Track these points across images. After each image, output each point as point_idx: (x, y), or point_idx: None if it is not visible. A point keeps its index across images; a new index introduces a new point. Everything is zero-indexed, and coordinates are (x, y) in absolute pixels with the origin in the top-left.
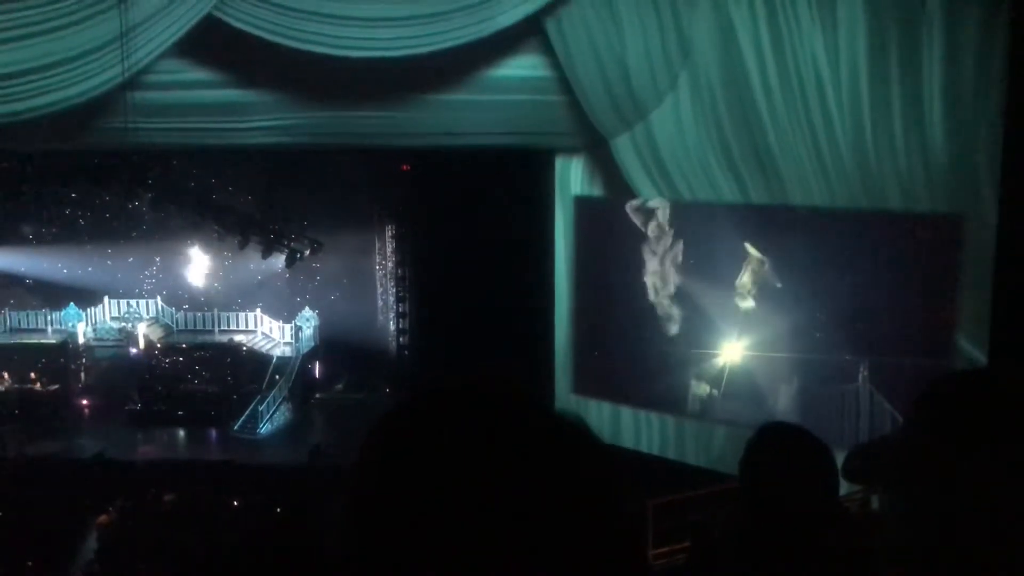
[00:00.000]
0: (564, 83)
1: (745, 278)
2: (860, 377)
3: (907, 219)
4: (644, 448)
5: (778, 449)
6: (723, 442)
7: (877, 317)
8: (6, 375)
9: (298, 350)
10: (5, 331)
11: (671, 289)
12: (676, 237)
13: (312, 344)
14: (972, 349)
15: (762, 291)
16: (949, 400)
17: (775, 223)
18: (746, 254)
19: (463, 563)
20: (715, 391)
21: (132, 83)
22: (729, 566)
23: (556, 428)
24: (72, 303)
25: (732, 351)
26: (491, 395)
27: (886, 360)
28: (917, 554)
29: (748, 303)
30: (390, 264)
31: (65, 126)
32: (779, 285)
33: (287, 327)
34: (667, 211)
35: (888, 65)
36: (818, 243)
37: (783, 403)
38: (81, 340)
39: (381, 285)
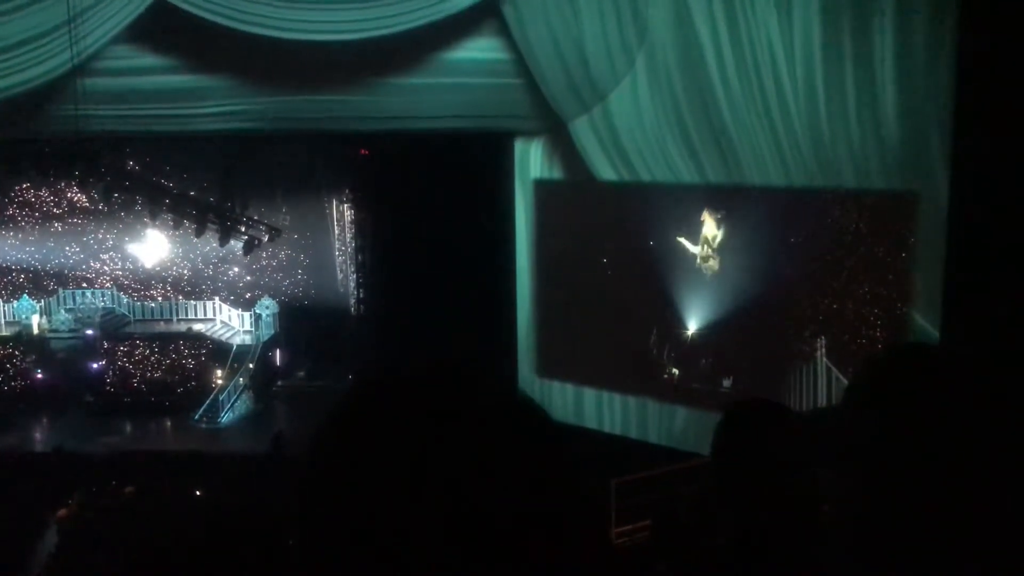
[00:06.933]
0: (522, 66)
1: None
2: (818, 353)
3: (861, 197)
4: (607, 428)
5: (757, 425)
6: (684, 421)
7: (834, 294)
8: None
9: (258, 338)
10: None
11: (633, 270)
12: (636, 218)
13: (272, 332)
14: (926, 324)
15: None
16: (885, 377)
17: (732, 202)
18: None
19: (417, 548)
20: (675, 370)
21: (82, 69)
22: (694, 543)
23: (505, 411)
24: (25, 295)
25: (692, 330)
26: (439, 379)
27: (843, 336)
28: (858, 532)
29: (711, 263)
30: (350, 250)
31: (14, 113)
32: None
33: (246, 315)
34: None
35: (842, 46)
36: (774, 221)
37: (742, 381)
38: (36, 332)
39: (341, 271)
